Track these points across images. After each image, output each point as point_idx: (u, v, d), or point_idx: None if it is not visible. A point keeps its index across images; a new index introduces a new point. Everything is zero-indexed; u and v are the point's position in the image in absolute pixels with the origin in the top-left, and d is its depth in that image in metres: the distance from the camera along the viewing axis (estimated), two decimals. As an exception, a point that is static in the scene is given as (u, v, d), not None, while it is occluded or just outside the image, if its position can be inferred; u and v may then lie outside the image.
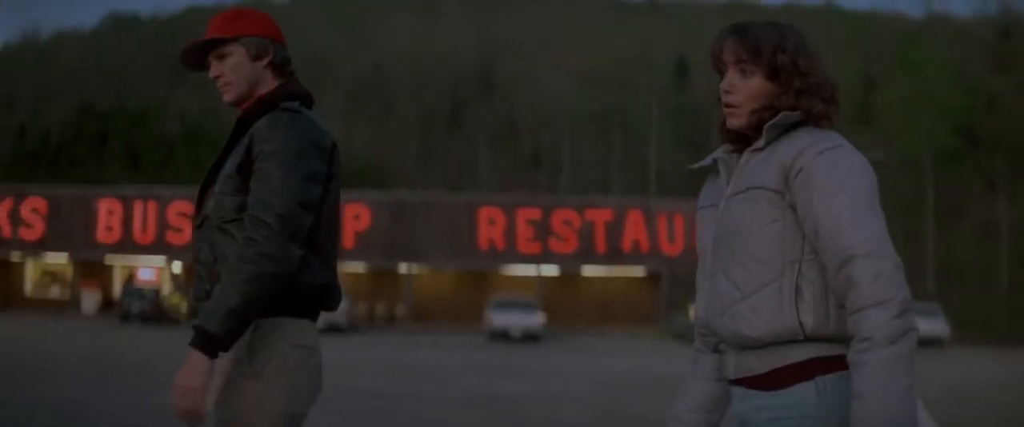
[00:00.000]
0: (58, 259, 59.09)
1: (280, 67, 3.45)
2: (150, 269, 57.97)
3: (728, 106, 2.82)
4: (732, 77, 2.81)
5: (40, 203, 57.94)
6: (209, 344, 3.03)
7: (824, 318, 2.62)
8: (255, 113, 3.35)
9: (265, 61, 3.42)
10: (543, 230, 56.86)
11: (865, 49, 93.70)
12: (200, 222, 3.38)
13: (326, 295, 3.35)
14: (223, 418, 3.22)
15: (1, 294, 56.41)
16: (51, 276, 60.58)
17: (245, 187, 3.22)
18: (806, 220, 2.62)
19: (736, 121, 2.82)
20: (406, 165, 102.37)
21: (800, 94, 2.74)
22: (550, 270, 57.73)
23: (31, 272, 60.95)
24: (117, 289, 58.22)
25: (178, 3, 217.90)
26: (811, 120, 2.74)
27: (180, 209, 55.74)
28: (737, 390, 2.80)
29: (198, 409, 3.04)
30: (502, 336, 42.39)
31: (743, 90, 2.78)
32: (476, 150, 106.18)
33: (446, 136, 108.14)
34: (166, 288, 52.86)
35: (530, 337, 42.61)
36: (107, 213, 57.56)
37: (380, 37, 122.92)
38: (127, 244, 57.42)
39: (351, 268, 56.37)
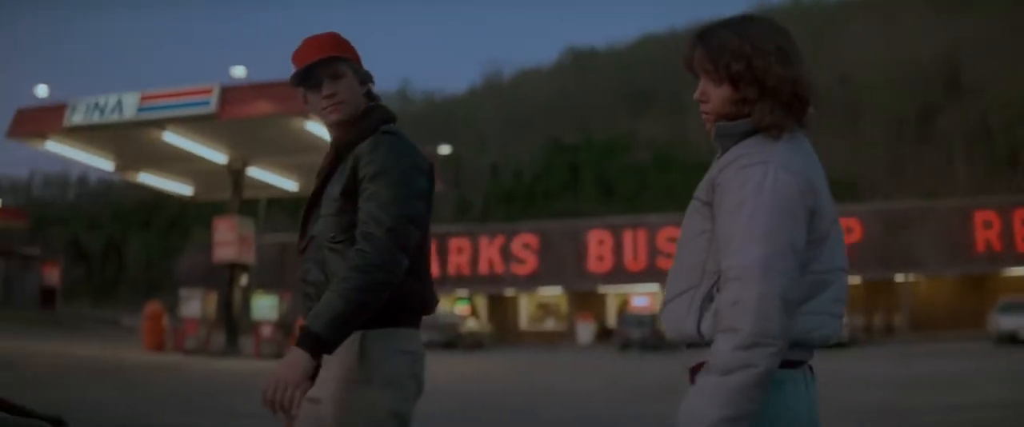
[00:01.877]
0: (552, 292, 60.70)
1: (370, 93, 3.65)
2: (644, 296, 58.41)
3: (704, 113, 2.87)
4: (705, 85, 2.85)
5: (531, 238, 59.82)
6: (314, 345, 3.19)
7: None
8: (356, 138, 3.49)
9: (366, 87, 3.62)
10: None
11: None
12: (306, 245, 3.57)
13: (427, 304, 3.57)
14: (336, 420, 3.35)
15: (498, 328, 58.26)
16: (545, 309, 62.32)
17: (351, 208, 3.40)
18: (717, 235, 2.67)
19: (710, 127, 2.87)
20: (876, 174, 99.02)
21: (753, 102, 2.73)
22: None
23: (526, 306, 62.95)
24: (611, 318, 59.10)
25: (632, 33, 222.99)
26: (762, 128, 2.72)
27: (670, 235, 55.78)
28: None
29: (288, 402, 3.13)
30: (1009, 340, 39.37)
31: (714, 97, 2.82)
32: (948, 155, 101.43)
33: (916, 143, 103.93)
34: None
35: (1042, 338, 39.19)
36: (597, 243, 58.62)
37: (843, 47, 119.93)
38: (619, 273, 58.15)
39: (843, 285, 54.39)
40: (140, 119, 32.86)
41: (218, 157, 37.31)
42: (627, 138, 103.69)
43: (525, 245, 59.90)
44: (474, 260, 61.08)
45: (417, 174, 3.43)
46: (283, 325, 35.88)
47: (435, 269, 59.40)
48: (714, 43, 2.79)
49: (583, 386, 24.89)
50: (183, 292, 39.59)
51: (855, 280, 54.36)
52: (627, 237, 58.14)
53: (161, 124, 33.46)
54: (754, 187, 2.61)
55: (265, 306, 36.63)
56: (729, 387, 2.49)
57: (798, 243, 2.61)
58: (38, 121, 35.19)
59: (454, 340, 48.81)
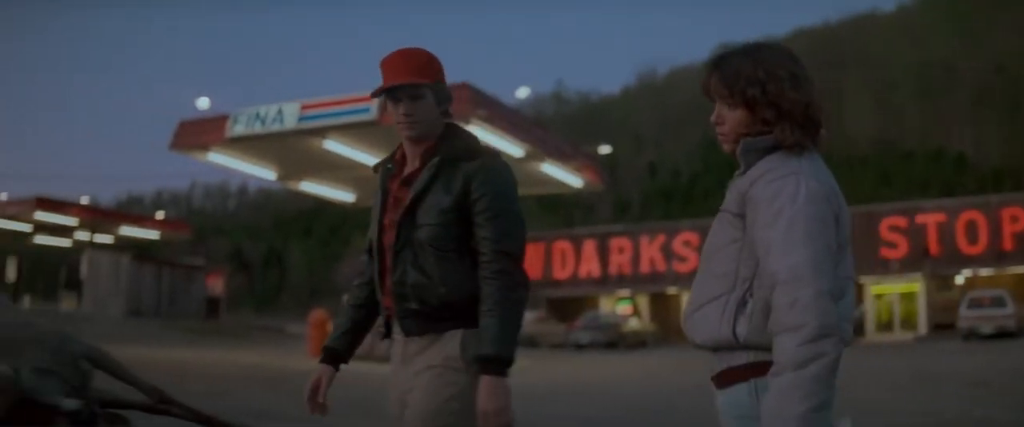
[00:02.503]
0: (712, 290, 59.81)
1: (446, 112, 3.88)
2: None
3: (720, 134, 3.01)
4: (720, 108, 3.00)
5: (692, 236, 59.28)
6: (505, 368, 3.53)
7: (760, 329, 2.77)
8: (459, 156, 3.74)
9: (443, 107, 3.85)
10: None
11: None
12: (401, 247, 3.73)
13: None
14: (431, 407, 3.60)
15: (660, 327, 57.83)
16: (706, 307, 61.72)
17: (458, 221, 3.67)
18: (754, 243, 2.81)
19: (727, 147, 3.03)
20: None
21: (772, 123, 2.88)
22: None
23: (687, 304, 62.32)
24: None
25: (785, 27, 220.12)
26: (784, 146, 2.86)
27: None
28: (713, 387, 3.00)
29: (509, 423, 3.49)
30: None
31: (730, 121, 2.97)
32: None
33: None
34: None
35: None
36: (758, 241, 57.71)
37: (999, 36, 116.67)
38: (781, 270, 57.08)
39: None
40: (301, 128, 33.26)
41: (380, 163, 37.70)
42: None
43: (686, 243, 59.35)
44: (635, 259, 60.85)
45: (517, 195, 3.81)
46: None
47: (597, 269, 59.55)
48: (729, 70, 2.97)
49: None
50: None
51: (1021, 270, 52.54)
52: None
53: (322, 132, 33.90)
54: (789, 196, 2.78)
55: (428, 310, 36.78)
56: (807, 379, 2.60)
57: (833, 245, 2.78)
58: (200, 133, 35.99)
59: (616, 340, 48.63)
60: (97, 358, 2.66)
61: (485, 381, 3.53)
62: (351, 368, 4.27)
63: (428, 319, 3.73)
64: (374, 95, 3.89)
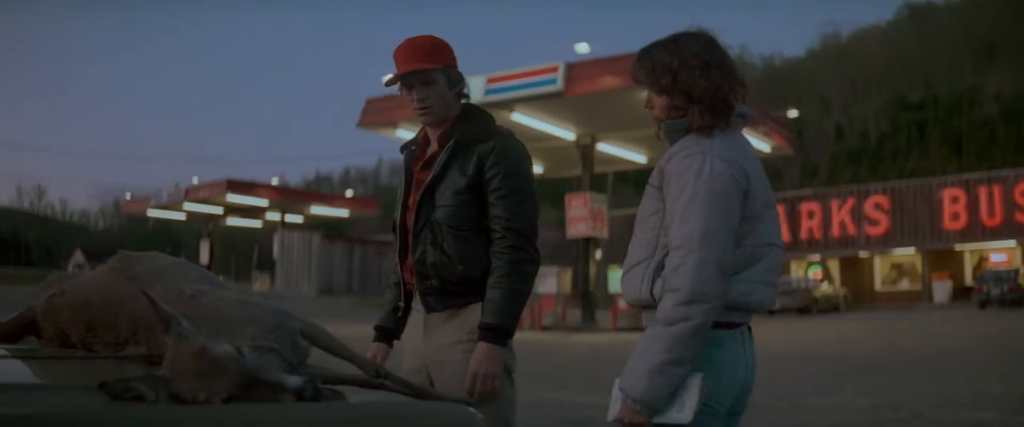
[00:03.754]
0: (905, 252, 59.00)
1: (461, 94, 4.02)
2: (1002, 253, 56.30)
3: (654, 118, 3.34)
4: (650, 94, 3.33)
5: (882, 199, 58.29)
6: (504, 337, 3.79)
7: None
8: (474, 137, 3.91)
9: (456, 90, 3.99)
10: None
11: None
12: (420, 227, 3.91)
13: None
14: (454, 373, 3.78)
15: (852, 290, 57.03)
16: (899, 269, 60.63)
17: (474, 200, 3.85)
18: (669, 214, 3.13)
19: (657, 129, 3.36)
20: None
21: (685, 108, 3.21)
22: None
23: (879, 267, 61.40)
24: (967, 276, 57.08)
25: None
26: (694, 127, 3.18)
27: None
28: None
29: (496, 390, 3.74)
30: None
31: (657, 105, 3.30)
32: None
33: None
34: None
35: None
36: (951, 201, 56.49)
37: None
38: (975, 230, 55.91)
39: None
40: (488, 101, 33.59)
41: (566, 134, 38.08)
42: (973, 92, 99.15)
43: (877, 206, 58.46)
44: (825, 224, 60.10)
45: (532, 174, 4.00)
46: (638, 297, 35.94)
47: (787, 234, 59.06)
48: (649, 61, 3.29)
49: (949, 347, 24.14)
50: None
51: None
52: (982, 193, 55.70)
53: (509, 105, 34.39)
54: (694, 172, 3.09)
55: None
56: (671, 336, 2.98)
57: (732, 220, 3.09)
58: (388, 110, 36.89)
59: (808, 305, 48.37)
60: (314, 334, 2.91)
61: (482, 347, 3.75)
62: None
63: (448, 295, 3.91)
64: (388, 83, 3.99)
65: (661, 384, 2.99)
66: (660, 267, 3.14)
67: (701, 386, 3.04)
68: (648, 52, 3.33)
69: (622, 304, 35.73)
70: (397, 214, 4.12)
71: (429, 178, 3.94)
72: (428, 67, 3.91)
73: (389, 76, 3.98)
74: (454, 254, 3.87)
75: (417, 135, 4.17)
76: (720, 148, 3.15)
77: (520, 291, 3.82)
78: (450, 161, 3.92)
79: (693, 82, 3.19)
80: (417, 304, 4.05)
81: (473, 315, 3.86)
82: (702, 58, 3.22)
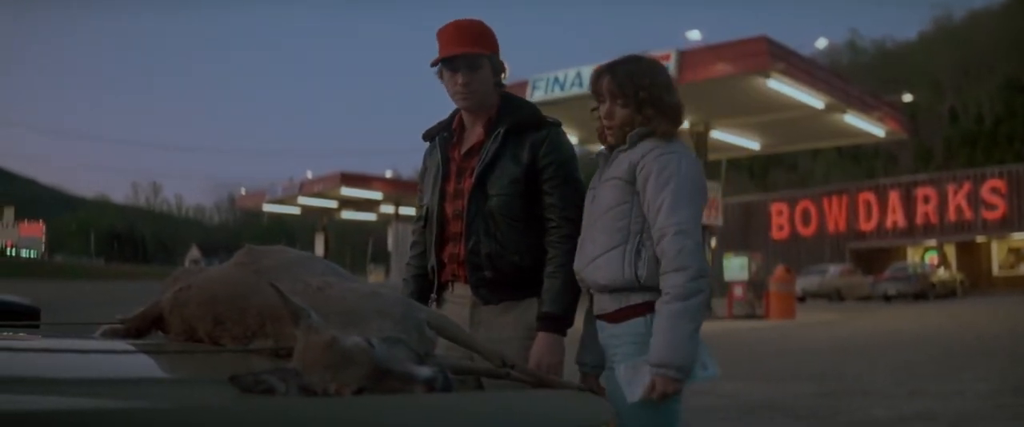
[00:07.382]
0: (1023, 236, 57.91)
1: (499, 82, 4.04)
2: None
3: (608, 127, 3.75)
4: (611, 106, 3.72)
5: (999, 183, 57.22)
6: (564, 326, 3.84)
7: (654, 274, 3.50)
8: (523, 125, 3.96)
9: (498, 78, 4.01)
10: None
11: None
12: (473, 217, 3.90)
13: None
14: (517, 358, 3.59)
15: (969, 275, 56.11)
16: (1017, 254, 59.47)
17: (528, 190, 3.88)
18: (645, 204, 3.54)
19: (612, 138, 3.76)
20: None
21: (652, 118, 3.64)
22: None
23: (996, 252, 60.30)
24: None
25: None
26: (658, 134, 3.63)
27: None
28: (599, 323, 3.75)
29: (560, 378, 3.60)
30: None
31: (618, 117, 3.70)
32: None
33: None
34: None
35: None
36: (1073, 184, 55.28)
37: None
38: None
39: None
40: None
41: (680, 121, 37.94)
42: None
43: (994, 190, 57.36)
44: (941, 208, 59.18)
45: (578, 165, 4.04)
46: (754, 285, 35.80)
47: (902, 220, 58.28)
48: (621, 76, 3.67)
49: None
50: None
51: None
52: (1105, 175, 54.40)
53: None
54: (675, 168, 3.52)
55: (736, 266, 36.60)
56: (692, 307, 3.39)
57: (703, 209, 3.59)
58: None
59: (925, 290, 47.79)
60: (440, 324, 2.87)
61: (543, 336, 3.78)
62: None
63: (503, 287, 3.90)
64: (433, 65, 3.98)
65: (693, 350, 3.41)
66: (638, 252, 3.55)
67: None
68: (616, 68, 3.72)
69: (738, 292, 35.64)
70: (431, 202, 4.10)
71: (480, 167, 3.93)
72: (477, 52, 3.92)
73: (435, 57, 3.96)
74: (509, 244, 3.89)
75: (449, 121, 4.16)
76: (685, 149, 3.66)
77: (578, 281, 3.82)
78: (502, 149, 3.94)
79: (661, 98, 3.66)
80: (453, 296, 4.03)
81: (530, 311, 3.88)
82: (664, 78, 3.74)
